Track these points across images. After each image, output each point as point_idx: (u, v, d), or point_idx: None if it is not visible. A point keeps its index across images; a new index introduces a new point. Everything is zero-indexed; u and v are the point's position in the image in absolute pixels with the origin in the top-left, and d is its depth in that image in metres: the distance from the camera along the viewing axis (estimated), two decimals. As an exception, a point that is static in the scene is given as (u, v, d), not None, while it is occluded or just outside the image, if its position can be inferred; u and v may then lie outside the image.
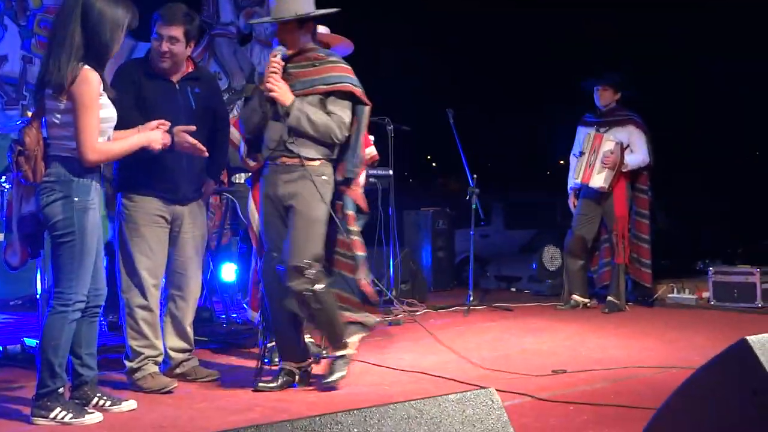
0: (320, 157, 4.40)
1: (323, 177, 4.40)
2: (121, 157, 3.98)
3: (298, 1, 4.38)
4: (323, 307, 4.35)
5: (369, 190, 6.10)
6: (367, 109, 4.54)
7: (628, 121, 7.34)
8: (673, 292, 7.78)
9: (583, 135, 7.46)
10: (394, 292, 7.48)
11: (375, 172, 7.00)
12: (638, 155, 7.27)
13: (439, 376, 4.64)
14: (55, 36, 3.73)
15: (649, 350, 5.42)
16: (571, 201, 7.58)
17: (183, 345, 4.68)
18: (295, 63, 4.45)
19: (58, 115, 3.71)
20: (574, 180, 7.46)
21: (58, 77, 3.64)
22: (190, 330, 4.72)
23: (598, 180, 7.23)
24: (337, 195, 4.50)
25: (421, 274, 8.34)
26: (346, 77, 4.46)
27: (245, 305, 5.79)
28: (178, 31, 4.46)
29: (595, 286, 7.64)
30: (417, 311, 7.37)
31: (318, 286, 4.28)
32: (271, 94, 4.31)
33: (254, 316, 5.20)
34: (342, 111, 4.43)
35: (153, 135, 4.00)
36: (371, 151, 5.76)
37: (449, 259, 9.36)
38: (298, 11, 4.37)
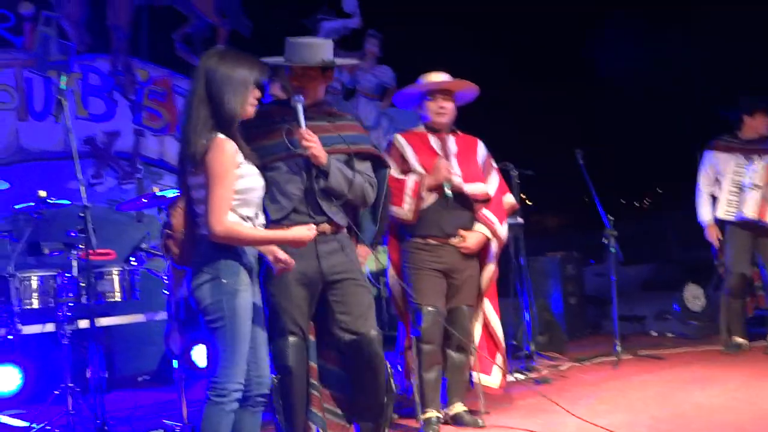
0: (345, 224, 4.04)
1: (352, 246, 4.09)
2: (252, 245, 3.56)
3: (323, 47, 4.07)
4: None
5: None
6: (388, 171, 4.21)
7: None
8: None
9: (731, 163, 6.86)
10: (532, 347, 7.06)
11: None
12: None
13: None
14: (185, 111, 3.54)
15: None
16: (714, 234, 7.01)
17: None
18: (311, 116, 4.02)
19: (199, 190, 3.49)
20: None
21: (192, 151, 3.43)
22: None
23: None
24: None
25: (556, 324, 7.89)
26: (365, 138, 4.18)
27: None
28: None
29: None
30: (560, 366, 6.93)
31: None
32: (310, 151, 3.87)
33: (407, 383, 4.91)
34: (370, 171, 4.09)
35: (301, 232, 3.55)
36: (510, 199, 5.43)
37: (581, 305, 8.86)
38: (324, 58, 4.02)
